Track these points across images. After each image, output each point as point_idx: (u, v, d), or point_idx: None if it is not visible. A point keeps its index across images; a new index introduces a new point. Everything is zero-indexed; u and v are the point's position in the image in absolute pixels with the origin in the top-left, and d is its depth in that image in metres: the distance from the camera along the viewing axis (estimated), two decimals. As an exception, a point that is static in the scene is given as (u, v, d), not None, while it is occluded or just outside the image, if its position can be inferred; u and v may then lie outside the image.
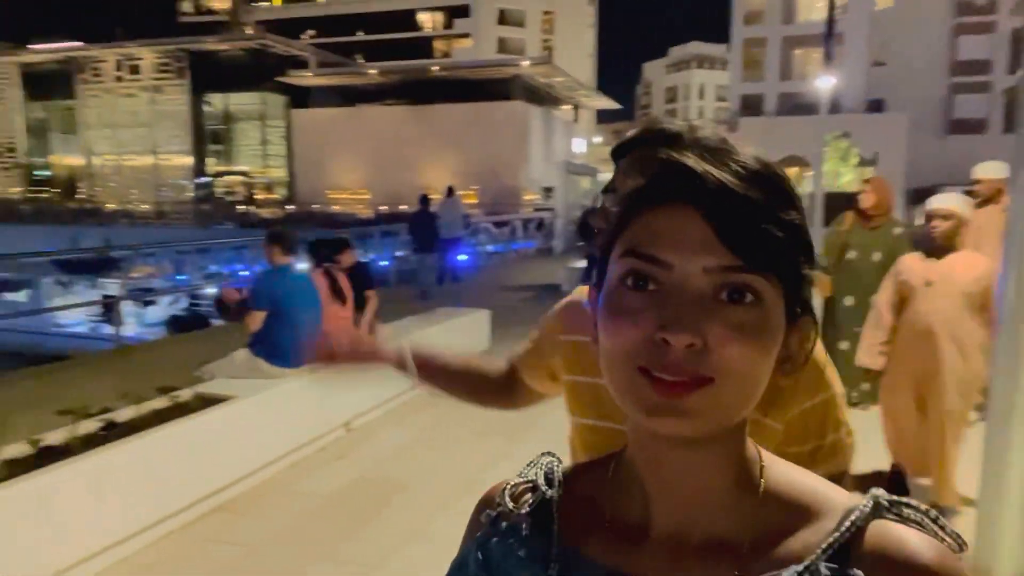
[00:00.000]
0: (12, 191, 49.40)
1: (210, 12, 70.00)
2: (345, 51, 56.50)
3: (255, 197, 46.39)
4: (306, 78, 45.17)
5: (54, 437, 3.39)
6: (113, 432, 3.61)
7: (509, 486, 0.67)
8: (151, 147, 46.86)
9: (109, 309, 13.53)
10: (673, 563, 0.58)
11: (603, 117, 77.71)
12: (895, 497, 0.57)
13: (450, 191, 13.32)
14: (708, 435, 0.55)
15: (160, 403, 4.02)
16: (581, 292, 1.23)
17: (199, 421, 3.91)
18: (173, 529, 3.63)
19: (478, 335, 7.32)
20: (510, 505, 0.65)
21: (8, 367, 7.68)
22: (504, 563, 0.62)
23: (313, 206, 41.01)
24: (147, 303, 18.52)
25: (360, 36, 62.33)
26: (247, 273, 18.60)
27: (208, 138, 48.29)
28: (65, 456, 3.25)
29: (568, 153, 41.06)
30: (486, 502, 0.68)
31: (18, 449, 3.23)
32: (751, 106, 44.03)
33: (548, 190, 32.33)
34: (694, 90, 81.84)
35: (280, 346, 4.56)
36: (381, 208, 37.33)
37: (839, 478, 1.14)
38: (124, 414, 3.81)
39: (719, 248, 0.52)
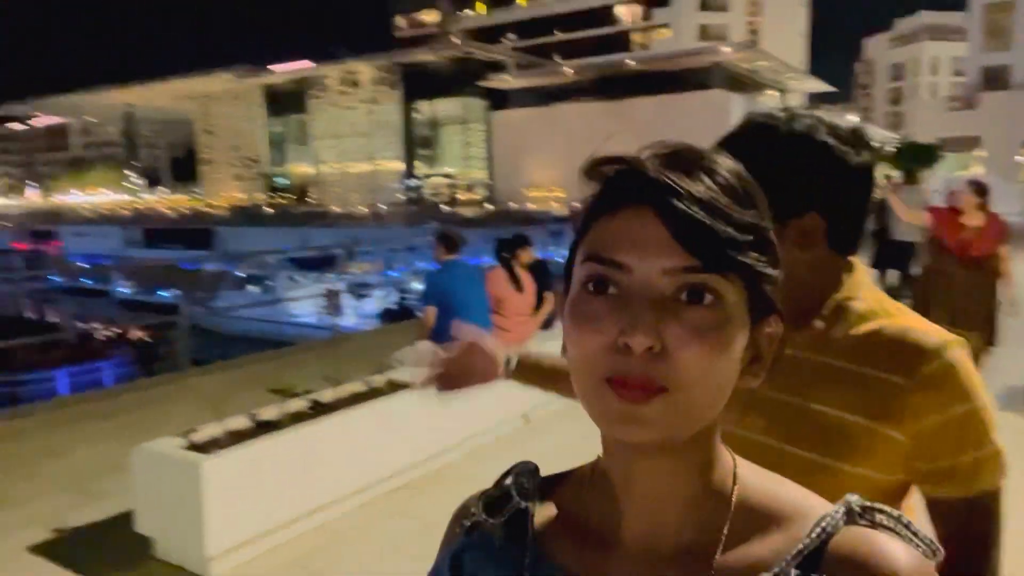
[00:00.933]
0: (257, 197, 56.41)
1: (421, 25, 75.10)
2: (543, 52, 57.82)
3: (457, 197, 49.03)
4: (504, 81, 46.89)
5: (268, 413, 3.87)
6: (317, 410, 4.05)
7: (484, 496, 0.67)
8: (369, 154, 51.25)
9: (331, 301, 15.12)
10: (645, 571, 0.58)
11: (815, 101, 72.43)
12: (869, 503, 0.56)
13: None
14: (673, 442, 0.55)
15: (357, 387, 4.43)
16: None
17: (388, 404, 4.25)
18: (365, 501, 4.00)
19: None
20: (484, 516, 0.64)
21: (248, 351, 8.84)
22: (478, 572, 0.62)
23: (510, 204, 42.49)
24: (361, 296, 20.38)
25: (558, 36, 63.47)
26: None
27: (417, 143, 51.86)
28: (276, 429, 3.71)
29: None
30: (462, 512, 0.68)
31: (239, 422, 3.73)
32: (995, 79, 38.84)
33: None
34: (924, 65, 73.34)
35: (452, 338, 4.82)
36: (575, 205, 37.65)
37: (980, 501, 1.00)
38: (327, 395, 4.25)
39: (676, 249, 0.52)
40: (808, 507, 0.57)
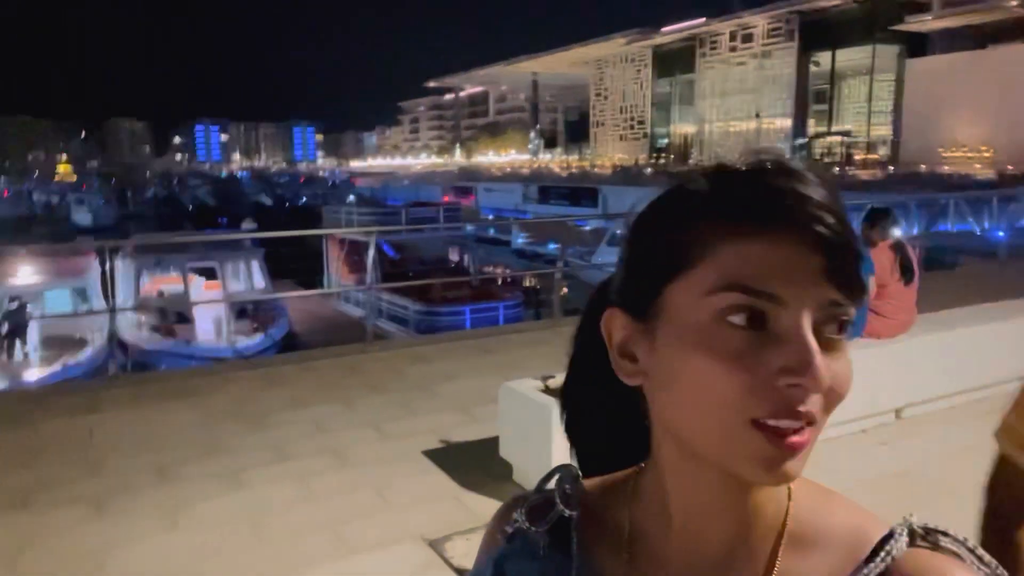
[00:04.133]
0: (640, 158, 58.38)
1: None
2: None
3: (854, 158, 44.33)
4: (925, 22, 40.41)
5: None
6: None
7: (527, 502, 0.65)
8: (754, 112, 49.13)
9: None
10: None
11: None
12: (930, 525, 0.54)
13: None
14: None
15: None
16: None
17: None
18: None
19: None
20: (527, 523, 0.63)
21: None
22: None
23: (921, 166, 36.98)
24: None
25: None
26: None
27: (812, 99, 48.02)
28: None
29: None
30: (502, 518, 0.66)
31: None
32: None
33: None
34: None
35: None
36: (1007, 168, 31.31)
37: None
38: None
39: (830, 281, 0.49)
40: (865, 528, 0.55)
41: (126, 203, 68.85)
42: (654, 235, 0.54)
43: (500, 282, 22.21)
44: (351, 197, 52.32)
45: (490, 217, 41.87)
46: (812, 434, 0.50)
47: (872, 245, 4.68)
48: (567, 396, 0.69)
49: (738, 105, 50.95)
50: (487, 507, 3.65)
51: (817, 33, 45.18)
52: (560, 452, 3.05)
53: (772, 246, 0.49)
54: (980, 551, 0.53)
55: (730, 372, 0.49)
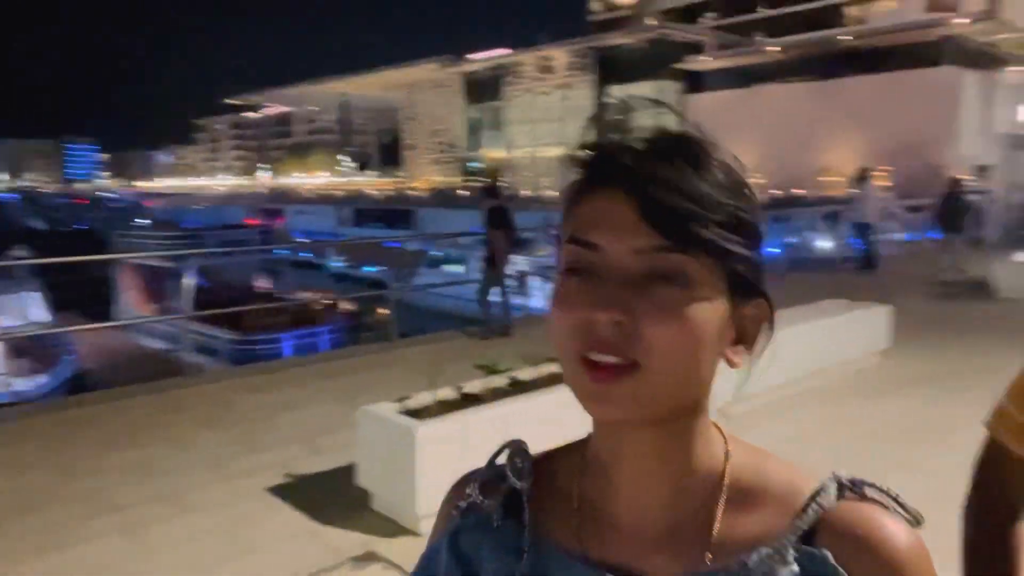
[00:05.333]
0: (453, 180, 59.37)
1: (617, 8, 74.36)
2: (745, 30, 54.93)
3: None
4: (701, 63, 45.25)
5: (472, 387, 4.09)
6: (516, 388, 4.21)
7: (478, 477, 0.67)
8: (560, 139, 51.90)
9: (521, 283, 15.63)
10: (642, 549, 0.59)
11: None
12: (856, 477, 0.59)
13: (863, 173, 12.69)
14: (651, 420, 0.56)
15: (553, 368, 4.54)
16: None
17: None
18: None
19: (874, 335, 6.63)
20: (479, 497, 0.65)
21: (442, 327, 9.38)
22: (475, 555, 0.63)
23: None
24: (548, 279, 20.84)
25: (761, 12, 59.96)
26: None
27: (609, 128, 51.76)
28: (480, 402, 3.91)
29: (1015, 123, 34.03)
30: (455, 494, 0.68)
31: (446, 393, 3.97)
32: None
33: (983, 168, 27.30)
34: None
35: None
36: (775, 193, 35.69)
37: None
38: (525, 374, 4.40)
39: (646, 229, 0.53)
40: (797, 482, 0.59)
41: None
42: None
43: (321, 307, 21.45)
44: (145, 220, 47.94)
45: (304, 240, 40.35)
46: (634, 378, 0.52)
47: None
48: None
49: (545, 132, 53.59)
50: (348, 541, 3.51)
51: (612, 68, 48.92)
52: (425, 475, 3.02)
53: (597, 204, 0.56)
54: (902, 499, 0.58)
55: (561, 314, 0.55)
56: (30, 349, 15.08)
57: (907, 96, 35.53)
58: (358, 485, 3.82)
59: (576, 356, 0.54)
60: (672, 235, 0.53)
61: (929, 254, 13.43)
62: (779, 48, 42.60)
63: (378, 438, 3.74)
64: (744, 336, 0.59)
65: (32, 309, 15.84)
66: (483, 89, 57.74)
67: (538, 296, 19.32)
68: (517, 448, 0.68)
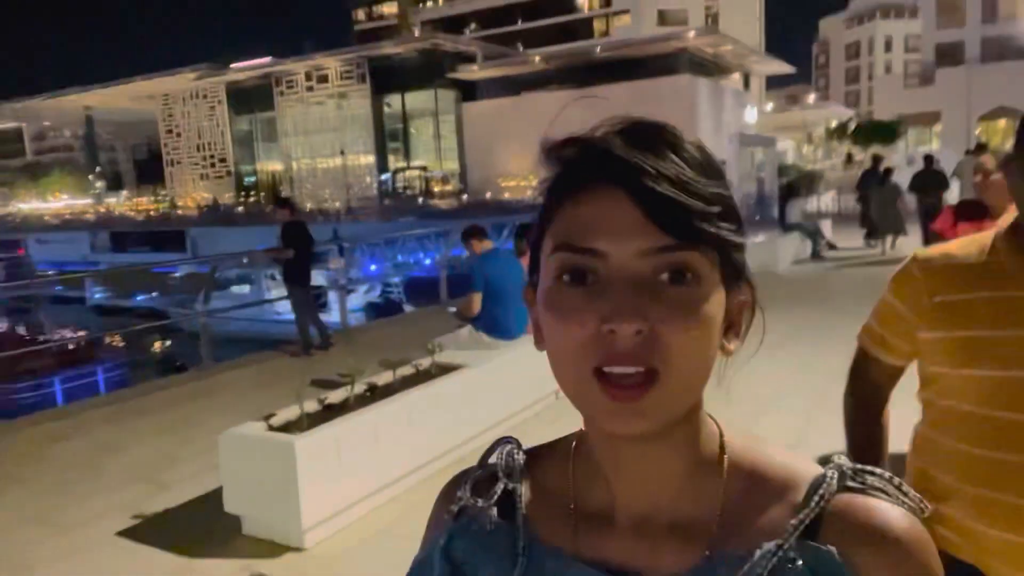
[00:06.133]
0: (226, 197, 55.81)
1: (381, 18, 74.55)
2: (508, 41, 57.90)
3: (432, 189, 49.04)
4: (473, 72, 46.93)
5: (334, 396, 4.11)
6: (376, 394, 4.30)
7: (470, 478, 0.65)
8: (340, 149, 50.95)
9: (318, 299, 15.24)
10: (640, 547, 0.57)
11: (774, 83, 73.40)
12: (858, 465, 0.58)
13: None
14: (668, 426, 0.54)
15: (407, 371, 4.68)
16: (925, 252, 1.30)
17: (440, 386, 4.53)
18: (427, 476, 4.27)
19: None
20: (472, 499, 0.63)
21: (244, 351, 8.96)
22: (470, 559, 0.61)
23: (486, 195, 42.66)
24: (349, 292, 20.51)
25: (520, 25, 63.60)
26: (429, 262, 20.08)
27: (388, 137, 51.66)
28: (344, 411, 3.96)
29: (740, 124, 39.50)
30: (446, 497, 0.66)
31: (309, 405, 3.97)
32: (948, 55, 39.86)
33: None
34: (879, 44, 74.97)
35: (498, 321, 5.12)
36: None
37: None
38: (383, 378, 4.49)
39: (651, 229, 0.51)
40: (797, 471, 0.58)
41: None
42: (536, 211, 0.58)
43: (89, 344, 19.13)
44: None
45: (50, 273, 35.65)
46: (657, 389, 0.51)
47: (521, 255, 5.55)
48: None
49: (323, 142, 52.20)
50: (227, 569, 3.40)
51: (387, 77, 48.97)
52: (307, 488, 3.20)
53: (592, 205, 0.53)
54: (905, 487, 0.57)
55: (567, 327, 0.52)
56: None
57: (654, 101, 39.47)
58: (227, 512, 3.69)
59: (588, 372, 0.51)
60: (681, 233, 0.51)
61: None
62: (540, 59, 45.49)
63: (247, 460, 3.65)
64: (733, 323, 0.57)
65: None
66: (251, 99, 54.84)
67: (335, 310, 18.97)
68: (508, 446, 0.67)
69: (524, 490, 0.63)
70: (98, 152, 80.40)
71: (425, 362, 4.80)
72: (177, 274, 30.97)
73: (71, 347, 17.49)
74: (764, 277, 10.27)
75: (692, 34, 41.93)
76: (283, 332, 16.56)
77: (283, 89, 53.31)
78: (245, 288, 23.82)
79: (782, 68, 50.34)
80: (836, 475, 0.56)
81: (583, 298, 0.52)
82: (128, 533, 3.82)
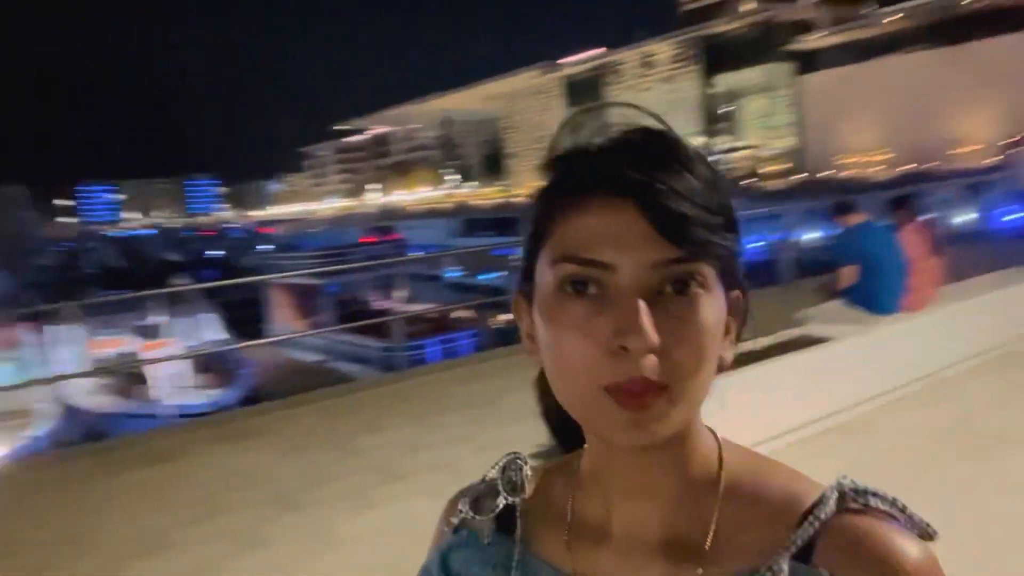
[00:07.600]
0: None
1: (708, -5, 72.76)
2: (850, 1, 52.59)
3: (759, 170, 47.02)
4: (812, 41, 43.68)
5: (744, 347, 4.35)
6: (738, 360, 4.45)
7: (471, 493, 0.66)
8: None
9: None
10: (635, 564, 0.57)
11: None
12: (861, 485, 0.55)
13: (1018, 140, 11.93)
14: (673, 437, 0.53)
15: (769, 341, 4.75)
16: None
17: (806, 357, 4.53)
18: (792, 441, 4.32)
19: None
20: (471, 513, 0.64)
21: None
22: (466, 571, 0.62)
23: (822, 173, 39.60)
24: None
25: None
26: (762, 243, 19.38)
27: (715, 117, 50.74)
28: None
29: None
30: (449, 511, 0.67)
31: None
32: None
33: None
34: None
35: (872, 294, 4.92)
36: (903, 168, 33.92)
37: None
38: (744, 347, 4.63)
39: (661, 242, 0.50)
40: (797, 490, 0.56)
41: (15, 273, 64.39)
42: (529, 218, 0.58)
43: (453, 316, 22.34)
44: (268, 246, 51.09)
45: (420, 254, 41.83)
46: (664, 399, 0.50)
47: (899, 227, 5.24)
48: (540, 382, 0.66)
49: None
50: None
51: (717, 56, 48.02)
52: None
53: (599, 216, 0.52)
54: (910, 510, 0.54)
55: (574, 341, 0.51)
56: (212, 365, 16.63)
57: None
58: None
59: (598, 386, 0.51)
60: (690, 246, 0.51)
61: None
62: (896, 17, 40.52)
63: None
64: (728, 329, 0.57)
65: (207, 330, 17.44)
66: (584, 91, 57.98)
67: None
68: (512, 462, 0.67)
69: (525, 504, 0.64)
70: (453, 149, 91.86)
71: (790, 333, 4.82)
72: (515, 255, 34.17)
73: (444, 317, 20.60)
74: None
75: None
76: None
77: (613, 79, 55.34)
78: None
79: None
80: (836, 494, 0.54)
81: (588, 310, 0.51)
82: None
